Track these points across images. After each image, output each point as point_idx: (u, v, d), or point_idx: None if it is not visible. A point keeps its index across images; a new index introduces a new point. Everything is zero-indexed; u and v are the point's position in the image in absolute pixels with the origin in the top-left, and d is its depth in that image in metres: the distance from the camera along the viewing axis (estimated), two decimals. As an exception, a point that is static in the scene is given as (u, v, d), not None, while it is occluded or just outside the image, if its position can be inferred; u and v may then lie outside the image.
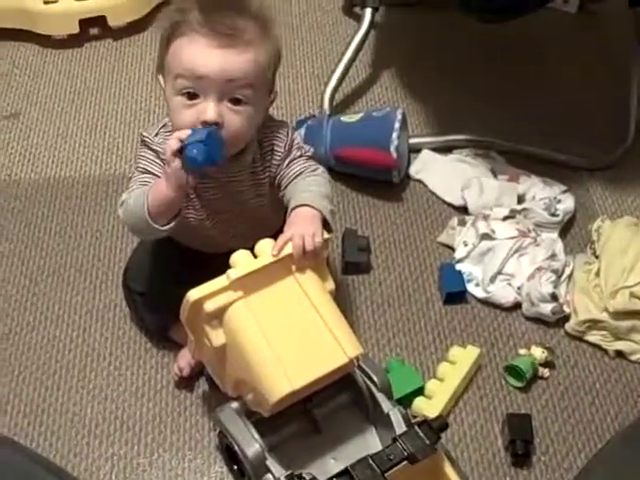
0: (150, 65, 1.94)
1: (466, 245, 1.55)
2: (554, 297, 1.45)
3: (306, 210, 1.22)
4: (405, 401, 1.33)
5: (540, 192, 1.62)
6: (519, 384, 1.39)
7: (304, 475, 1.13)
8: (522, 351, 1.42)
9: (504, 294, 1.49)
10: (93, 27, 1.99)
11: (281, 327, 1.14)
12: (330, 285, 1.22)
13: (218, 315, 1.14)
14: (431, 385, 1.36)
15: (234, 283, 1.13)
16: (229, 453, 1.23)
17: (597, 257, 1.53)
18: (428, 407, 1.33)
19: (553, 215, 1.58)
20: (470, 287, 1.52)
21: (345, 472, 1.11)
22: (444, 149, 1.75)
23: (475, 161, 1.71)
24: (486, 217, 1.57)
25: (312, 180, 1.29)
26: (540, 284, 1.45)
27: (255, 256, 1.17)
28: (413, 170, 1.71)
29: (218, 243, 1.32)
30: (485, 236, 1.54)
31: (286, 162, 1.30)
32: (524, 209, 1.59)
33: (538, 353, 1.41)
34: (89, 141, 1.77)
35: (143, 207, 1.19)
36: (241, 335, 1.13)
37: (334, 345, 1.13)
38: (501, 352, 1.44)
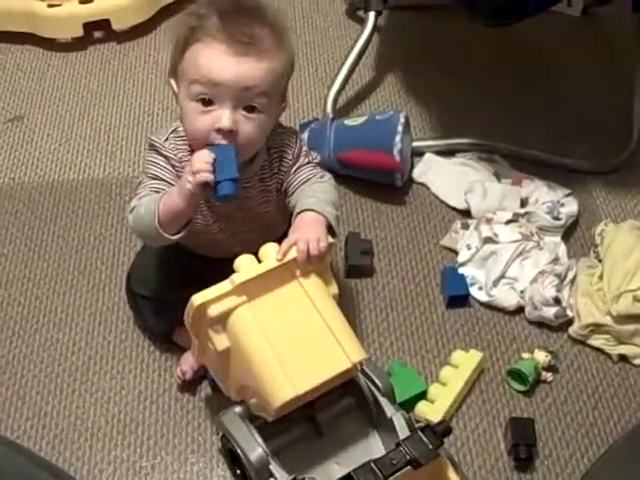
0: (154, 68, 1.94)
1: (469, 249, 1.55)
2: (557, 301, 1.45)
3: (311, 215, 1.23)
4: (408, 405, 1.33)
5: (543, 196, 1.62)
6: (522, 388, 1.39)
7: (307, 479, 1.12)
8: (525, 355, 1.42)
9: (507, 298, 1.49)
10: (97, 30, 2.00)
11: (285, 331, 1.13)
12: (334, 289, 1.22)
13: (222, 319, 1.14)
14: (434, 389, 1.36)
15: (238, 288, 1.13)
16: (232, 457, 1.23)
17: (600, 261, 1.53)
18: (431, 411, 1.33)
19: (556, 219, 1.58)
20: (473, 291, 1.51)
21: (348, 477, 1.10)
22: (447, 152, 1.75)
23: (478, 165, 1.71)
24: (489, 221, 1.57)
25: (318, 186, 1.29)
26: (543, 288, 1.45)
27: (259, 260, 1.17)
28: (416, 173, 1.71)
29: (223, 248, 1.32)
30: (488, 240, 1.54)
31: (294, 169, 1.31)
32: (527, 213, 1.59)
33: (541, 357, 1.40)
34: (93, 144, 1.77)
35: (154, 215, 1.19)
36: (245, 339, 1.13)
37: (338, 350, 1.13)
38: (504, 356, 1.44)
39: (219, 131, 1.18)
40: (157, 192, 1.23)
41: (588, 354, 1.45)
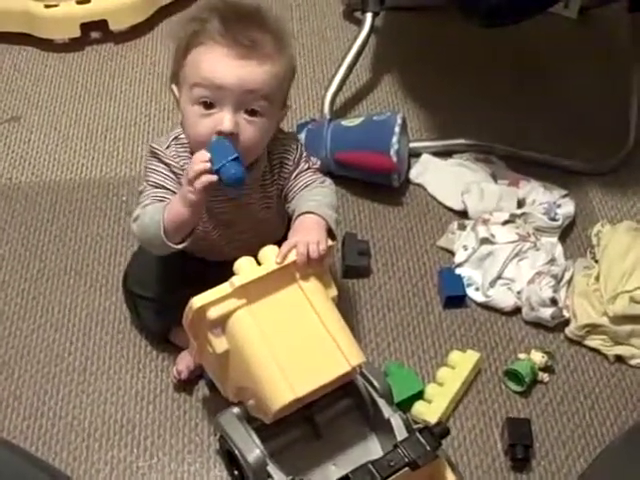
0: (151, 69, 1.94)
1: (466, 249, 1.55)
2: (554, 301, 1.45)
3: (311, 218, 1.23)
4: (404, 405, 1.33)
5: (540, 197, 1.62)
6: (519, 388, 1.39)
7: (305, 480, 1.13)
8: (522, 355, 1.42)
9: (504, 298, 1.49)
10: (94, 31, 2.00)
11: (284, 334, 1.13)
12: (333, 292, 1.22)
13: (221, 322, 1.14)
14: (431, 389, 1.36)
15: (237, 290, 1.13)
16: (230, 458, 1.23)
17: (597, 262, 1.53)
18: (428, 411, 1.33)
19: (553, 220, 1.58)
20: (470, 291, 1.52)
21: (346, 478, 1.10)
22: (444, 153, 1.75)
23: (475, 165, 1.71)
24: (486, 221, 1.57)
25: (318, 191, 1.30)
26: (540, 288, 1.45)
27: (259, 263, 1.17)
28: (413, 174, 1.72)
29: (222, 252, 1.32)
30: (485, 240, 1.54)
31: (294, 175, 1.31)
32: (524, 213, 1.59)
33: (538, 357, 1.41)
34: (90, 145, 1.77)
35: (159, 225, 1.19)
36: (244, 342, 1.13)
37: (337, 353, 1.13)
38: (501, 356, 1.44)
39: (220, 134, 1.18)
40: (160, 201, 1.23)
41: (585, 355, 1.45)
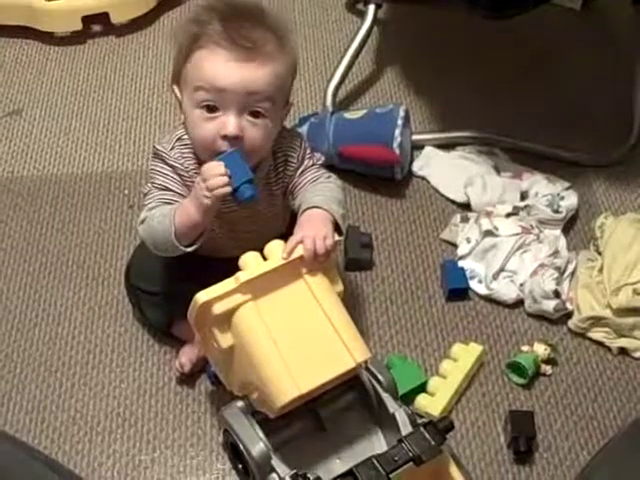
0: (153, 62, 1.94)
1: (469, 242, 1.55)
2: (557, 294, 1.45)
3: (317, 212, 1.23)
4: (407, 398, 1.33)
5: (543, 189, 1.62)
6: (521, 381, 1.39)
7: (309, 475, 1.12)
8: (525, 348, 1.42)
9: (507, 291, 1.49)
10: (96, 24, 1.99)
11: (289, 330, 1.13)
12: (339, 287, 1.22)
13: (226, 317, 1.13)
14: (433, 382, 1.36)
15: (243, 285, 1.12)
16: (234, 451, 1.23)
17: (600, 254, 1.52)
18: (430, 404, 1.33)
19: (556, 212, 1.58)
20: (473, 284, 1.51)
21: (350, 473, 1.10)
22: (447, 146, 1.75)
23: (478, 158, 1.70)
24: (489, 214, 1.56)
25: (324, 186, 1.30)
26: (543, 281, 1.45)
27: (264, 258, 1.17)
28: (416, 167, 1.71)
29: (226, 249, 1.31)
30: (488, 233, 1.53)
31: (298, 172, 1.31)
32: (527, 206, 1.59)
33: (541, 350, 1.40)
34: (91, 138, 1.77)
35: (169, 229, 1.19)
36: (249, 337, 1.12)
37: (342, 349, 1.13)
38: (503, 349, 1.44)
39: (225, 138, 1.18)
40: (166, 203, 1.23)
41: (588, 347, 1.45)
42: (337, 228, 1.23)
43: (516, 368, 1.39)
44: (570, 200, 1.61)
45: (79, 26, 1.95)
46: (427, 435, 1.13)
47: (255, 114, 1.19)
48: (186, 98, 1.22)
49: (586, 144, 1.75)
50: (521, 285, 1.48)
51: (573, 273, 1.51)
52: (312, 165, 1.32)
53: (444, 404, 1.33)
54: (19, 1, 1.92)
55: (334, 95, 1.79)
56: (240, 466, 1.23)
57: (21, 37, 1.98)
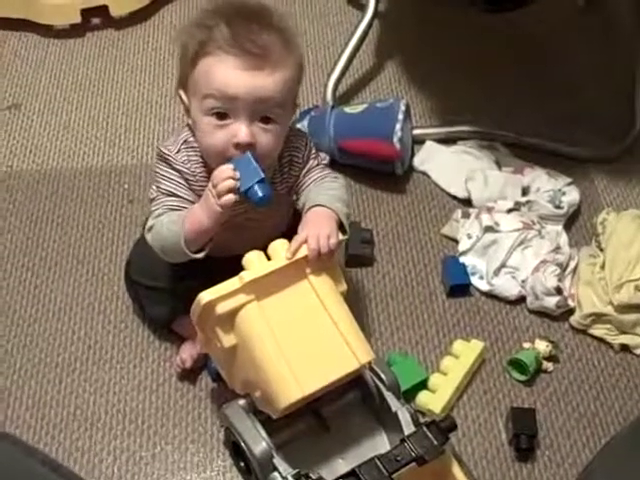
0: (153, 55, 1.93)
1: (470, 237, 1.54)
2: (558, 290, 1.45)
3: (321, 210, 1.22)
4: (408, 394, 1.33)
5: (545, 184, 1.61)
6: (523, 378, 1.38)
7: (311, 474, 1.12)
8: (526, 345, 1.42)
9: (508, 287, 1.48)
10: (95, 17, 1.98)
11: (293, 331, 1.13)
12: (342, 286, 1.22)
13: (229, 317, 1.13)
14: (435, 379, 1.36)
15: (247, 285, 1.12)
16: (236, 450, 1.23)
17: (602, 250, 1.52)
18: (432, 401, 1.33)
19: (558, 207, 1.57)
20: (474, 280, 1.51)
21: (352, 473, 1.10)
22: (448, 140, 1.74)
23: (479, 153, 1.70)
24: (490, 209, 1.56)
25: (329, 185, 1.29)
26: (544, 277, 1.45)
27: (268, 257, 1.16)
28: (417, 162, 1.71)
29: (228, 247, 1.30)
30: (489, 228, 1.53)
31: (303, 172, 1.30)
32: (528, 201, 1.58)
33: (542, 347, 1.40)
34: (91, 132, 1.76)
35: (179, 236, 1.18)
36: (252, 338, 1.12)
37: (346, 350, 1.13)
38: (505, 346, 1.44)
39: (237, 146, 1.17)
40: (173, 210, 1.22)
41: (589, 344, 1.45)
42: (341, 227, 1.23)
43: (517, 365, 1.39)
44: (572, 196, 1.60)
45: (78, 19, 1.94)
46: (430, 435, 1.13)
47: (266, 120, 1.18)
48: (194, 105, 1.21)
49: (588, 139, 1.75)
50: (523, 281, 1.48)
51: (575, 269, 1.51)
52: (317, 165, 1.32)
53: (445, 401, 1.33)
54: (18, -6, 1.91)
55: (334, 89, 1.79)
56: (242, 464, 1.23)
57: (20, 30, 1.97)
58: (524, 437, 1.29)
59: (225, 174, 1.15)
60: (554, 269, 1.46)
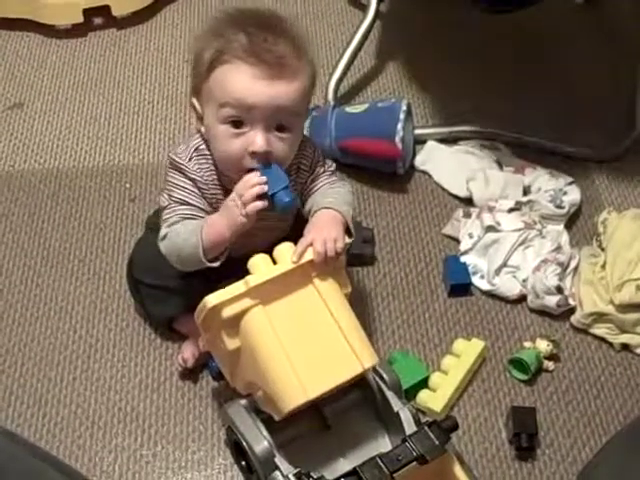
0: (155, 55, 1.93)
1: (471, 237, 1.54)
2: (559, 290, 1.45)
3: (328, 212, 1.22)
4: (409, 393, 1.33)
5: (546, 184, 1.61)
6: (524, 377, 1.38)
7: (312, 474, 1.12)
8: (527, 344, 1.42)
9: (509, 286, 1.48)
10: (97, 17, 1.98)
11: (298, 335, 1.13)
12: (347, 289, 1.22)
13: (235, 321, 1.13)
14: (435, 378, 1.36)
15: (252, 289, 1.12)
16: (237, 449, 1.23)
17: (603, 249, 1.52)
18: (432, 400, 1.33)
19: (559, 207, 1.58)
20: (475, 279, 1.51)
21: (353, 472, 1.10)
22: (450, 140, 1.74)
23: (481, 152, 1.70)
24: (491, 209, 1.56)
25: (335, 190, 1.29)
26: (545, 276, 1.45)
27: (274, 261, 1.16)
28: (418, 161, 1.71)
29: (233, 251, 1.31)
30: (490, 228, 1.53)
31: (310, 179, 1.30)
32: (530, 201, 1.58)
33: (543, 346, 1.40)
34: (93, 132, 1.76)
35: (197, 246, 1.18)
36: (257, 341, 1.12)
37: (350, 354, 1.13)
38: (506, 345, 1.44)
39: (253, 154, 1.18)
40: (187, 218, 1.22)
41: (590, 343, 1.45)
42: (347, 230, 1.23)
43: (518, 364, 1.39)
44: (573, 195, 1.60)
45: (80, 19, 1.94)
46: (431, 434, 1.13)
47: (281, 128, 1.19)
48: (209, 112, 1.20)
49: (589, 139, 1.74)
50: (524, 281, 1.48)
51: (576, 269, 1.51)
52: (324, 172, 1.32)
53: (446, 400, 1.33)
54: (20, -6, 1.91)
55: (336, 89, 1.79)
56: (243, 463, 1.23)
57: (22, 30, 1.97)
58: (525, 436, 1.28)
59: (252, 181, 1.15)
60: (555, 268, 1.46)
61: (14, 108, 1.81)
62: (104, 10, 1.95)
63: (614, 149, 1.74)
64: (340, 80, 1.80)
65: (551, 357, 1.41)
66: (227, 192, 1.24)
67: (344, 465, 1.17)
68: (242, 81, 1.16)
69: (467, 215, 1.59)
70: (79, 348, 1.42)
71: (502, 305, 1.49)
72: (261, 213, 1.19)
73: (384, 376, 1.22)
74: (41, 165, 1.70)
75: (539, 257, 1.49)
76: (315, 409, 1.21)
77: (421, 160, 1.71)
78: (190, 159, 1.24)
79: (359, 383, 1.23)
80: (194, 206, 1.24)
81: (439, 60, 1.91)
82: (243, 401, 1.20)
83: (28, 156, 1.72)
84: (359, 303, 1.47)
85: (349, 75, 1.84)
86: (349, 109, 1.68)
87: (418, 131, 1.73)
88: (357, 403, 1.24)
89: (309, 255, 1.15)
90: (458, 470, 1.18)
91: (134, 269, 1.40)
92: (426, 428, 1.14)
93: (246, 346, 1.13)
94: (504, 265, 1.50)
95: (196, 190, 1.24)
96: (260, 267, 1.14)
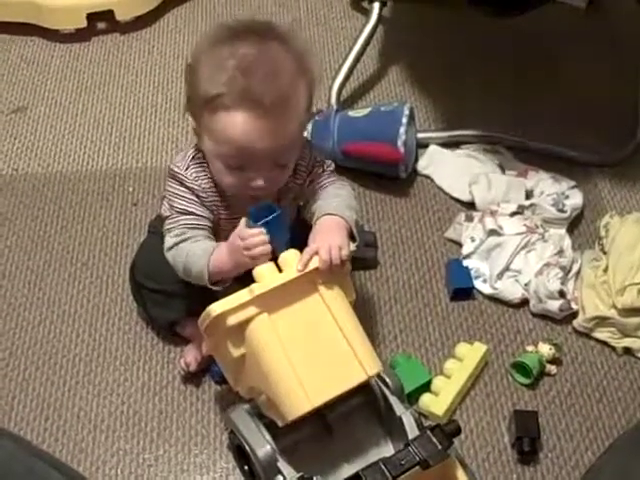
0: (158, 60, 1.94)
1: (473, 241, 1.55)
2: (562, 294, 1.45)
3: (332, 219, 1.22)
4: (412, 397, 1.33)
5: (548, 188, 1.61)
6: (526, 381, 1.38)
7: (315, 478, 1.12)
8: (529, 348, 1.42)
9: (511, 290, 1.48)
10: (101, 21, 1.99)
11: (302, 343, 1.13)
12: (351, 296, 1.21)
13: (239, 329, 1.13)
14: (438, 381, 1.36)
15: (257, 298, 1.12)
16: (240, 453, 1.23)
17: (605, 253, 1.52)
18: (434, 404, 1.33)
19: (561, 211, 1.58)
20: (477, 283, 1.51)
21: (356, 477, 1.10)
22: (452, 144, 1.74)
23: (483, 156, 1.70)
24: (494, 213, 1.56)
25: (337, 192, 1.29)
26: (548, 280, 1.45)
27: (279, 268, 1.15)
28: (421, 165, 1.71)
29: None
30: (492, 232, 1.53)
31: (309, 179, 1.30)
32: (532, 205, 1.58)
33: (545, 350, 1.40)
34: (96, 135, 1.77)
35: (203, 270, 1.18)
36: (262, 349, 1.12)
37: (354, 363, 1.12)
38: (508, 349, 1.44)
39: (254, 189, 1.18)
40: (193, 228, 1.23)
41: (593, 347, 1.45)
42: (351, 235, 1.23)
43: (521, 368, 1.38)
44: (575, 199, 1.60)
45: (84, 23, 1.95)
46: (434, 439, 1.13)
47: (281, 165, 1.20)
48: (206, 142, 1.19)
49: (591, 143, 1.75)
50: (526, 285, 1.48)
51: (578, 273, 1.51)
52: (323, 172, 1.31)
53: (448, 404, 1.33)
54: (24, -2, 1.92)
55: (339, 93, 1.79)
56: (246, 467, 1.23)
57: (26, 34, 1.98)
58: (527, 440, 1.28)
59: (258, 239, 1.14)
60: (557, 272, 1.46)
61: (18, 112, 1.82)
62: (108, 15, 1.96)
63: (617, 153, 1.74)
64: (343, 84, 1.80)
65: (553, 361, 1.41)
66: (226, 199, 1.25)
67: (347, 470, 1.17)
68: (245, 134, 1.14)
69: (469, 219, 1.59)
70: (82, 352, 1.42)
71: (504, 309, 1.49)
72: None
73: (387, 380, 1.22)
74: (44, 169, 1.70)
75: (541, 261, 1.49)
76: (318, 414, 1.21)
77: (423, 164, 1.71)
78: (187, 168, 1.24)
79: (362, 388, 1.22)
80: (196, 215, 1.24)
81: (441, 64, 1.91)
82: (246, 405, 1.20)
83: (31, 160, 1.72)
84: (362, 307, 1.47)
85: (352, 79, 1.84)
86: (352, 113, 1.68)
87: (420, 135, 1.73)
88: (360, 407, 1.24)
89: (314, 263, 1.15)
90: (461, 474, 1.18)
91: (137, 273, 1.40)
92: (429, 432, 1.14)
93: (251, 354, 1.13)
94: (506, 269, 1.50)
95: (195, 198, 1.24)
96: (265, 275, 1.14)
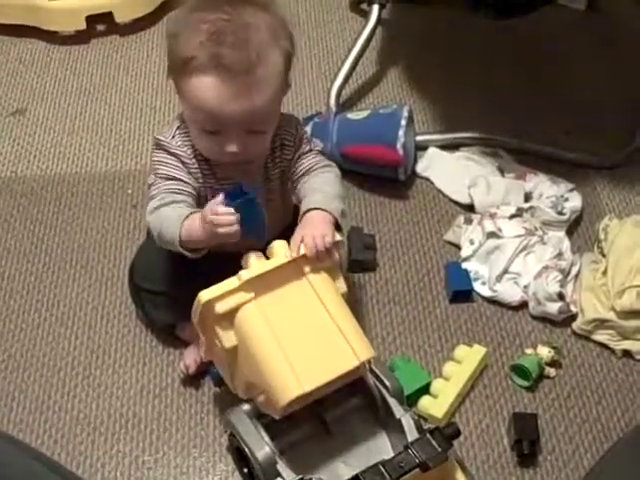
0: (157, 61, 1.94)
1: (472, 243, 1.55)
2: (561, 296, 1.45)
3: (317, 213, 1.23)
4: (411, 399, 1.33)
5: (547, 190, 1.61)
6: (525, 383, 1.38)
7: None
8: (528, 350, 1.42)
9: (510, 293, 1.48)
10: (100, 23, 1.99)
11: (292, 329, 1.13)
12: (343, 288, 1.22)
13: (229, 316, 1.13)
14: (437, 384, 1.36)
15: (245, 284, 1.13)
16: (239, 455, 1.23)
17: (604, 256, 1.52)
18: (434, 406, 1.33)
19: (560, 213, 1.58)
20: (476, 286, 1.51)
21: (355, 479, 1.10)
22: (451, 147, 1.74)
23: (482, 159, 1.70)
24: (493, 215, 1.56)
25: (324, 179, 1.30)
26: (547, 283, 1.45)
27: (267, 258, 1.17)
28: (420, 168, 1.71)
29: (229, 243, 1.31)
30: (492, 234, 1.53)
31: (296, 157, 1.31)
32: (531, 207, 1.58)
33: (544, 352, 1.40)
34: (95, 137, 1.77)
35: (175, 237, 1.19)
36: (252, 336, 1.12)
37: (346, 348, 1.13)
38: (507, 351, 1.43)
39: (229, 154, 1.20)
40: (175, 193, 1.23)
41: (592, 349, 1.45)
42: (338, 227, 1.24)
43: (520, 370, 1.38)
44: (574, 202, 1.60)
45: (83, 25, 1.95)
46: (433, 441, 1.13)
47: (255, 131, 1.20)
48: (184, 105, 1.22)
49: (590, 145, 1.75)
50: (525, 287, 1.48)
51: (577, 275, 1.51)
52: (310, 150, 1.32)
53: (447, 406, 1.33)
54: (23, 0, 1.92)
55: (338, 95, 1.79)
56: (245, 470, 1.23)
57: (25, 36, 1.98)
58: (526, 442, 1.28)
59: (225, 219, 1.14)
60: (556, 275, 1.46)
61: (17, 114, 1.82)
62: (107, 17, 1.96)
63: (615, 156, 1.74)
64: (342, 87, 1.80)
65: (552, 363, 1.41)
66: (211, 167, 1.26)
67: (346, 471, 1.17)
68: (214, 98, 1.16)
69: (468, 221, 1.59)
70: (81, 354, 1.42)
71: (503, 311, 1.49)
72: None
73: (386, 382, 1.22)
74: (43, 171, 1.70)
75: (540, 263, 1.49)
76: (316, 415, 1.21)
77: (422, 166, 1.71)
78: (173, 137, 1.26)
79: (360, 389, 1.23)
80: (179, 180, 1.25)
81: (440, 67, 1.91)
82: (245, 407, 1.20)
83: (30, 162, 1.72)
84: (360, 309, 1.47)
85: (351, 82, 1.84)
86: (351, 115, 1.69)
87: (419, 137, 1.73)
88: (358, 409, 1.24)
89: (301, 251, 1.17)
90: (460, 477, 1.18)
91: (135, 275, 1.40)
92: (428, 435, 1.14)
93: (241, 342, 1.14)
94: (505, 271, 1.50)
95: (180, 164, 1.25)
96: (253, 262, 1.16)
